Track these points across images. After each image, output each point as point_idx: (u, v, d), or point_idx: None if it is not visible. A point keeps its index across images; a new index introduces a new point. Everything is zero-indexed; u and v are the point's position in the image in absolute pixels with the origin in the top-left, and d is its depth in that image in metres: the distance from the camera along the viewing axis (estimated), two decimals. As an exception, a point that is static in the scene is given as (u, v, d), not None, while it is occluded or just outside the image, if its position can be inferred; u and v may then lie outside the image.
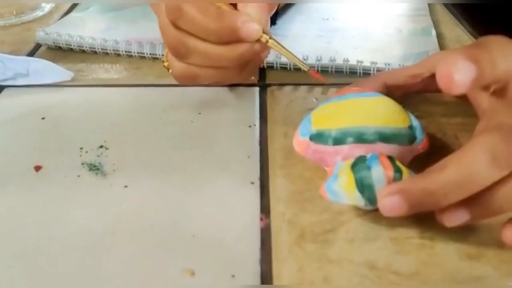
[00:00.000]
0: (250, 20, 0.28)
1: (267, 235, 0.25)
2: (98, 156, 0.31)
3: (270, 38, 0.29)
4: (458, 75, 0.21)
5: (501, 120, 0.22)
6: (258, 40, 0.29)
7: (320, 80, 0.30)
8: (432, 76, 0.25)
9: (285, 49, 0.30)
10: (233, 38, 0.28)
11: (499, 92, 0.24)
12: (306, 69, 0.30)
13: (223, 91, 0.37)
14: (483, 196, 0.21)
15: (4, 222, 0.26)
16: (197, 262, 0.24)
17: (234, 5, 0.30)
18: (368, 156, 0.25)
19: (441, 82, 0.21)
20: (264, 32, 0.29)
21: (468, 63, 0.21)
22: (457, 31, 0.47)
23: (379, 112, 0.27)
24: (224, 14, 0.28)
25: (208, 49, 0.29)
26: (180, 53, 0.30)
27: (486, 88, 0.25)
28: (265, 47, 0.30)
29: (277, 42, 0.29)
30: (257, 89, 0.38)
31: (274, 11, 0.31)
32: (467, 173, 0.21)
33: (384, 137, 0.26)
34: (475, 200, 0.22)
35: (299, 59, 0.30)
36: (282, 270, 0.23)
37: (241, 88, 0.38)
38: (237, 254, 0.24)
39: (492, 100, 0.25)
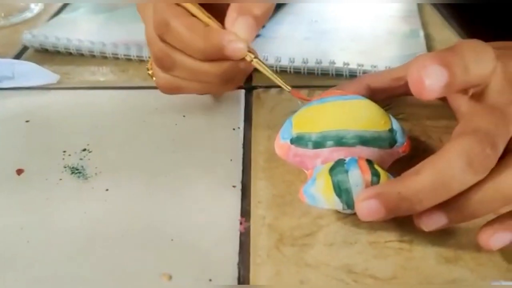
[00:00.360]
0: (237, 39, 0.28)
1: (246, 239, 0.25)
2: (81, 159, 0.31)
3: (255, 57, 0.29)
4: (429, 80, 0.21)
5: (477, 125, 0.22)
6: (243, 59, 0.29)
7: (304, 100, 0.31)
8: None
9: (269, 69, 0.30)
10: (218, 56, 0.28)
11: (477, 96, 0.24)
12: (288, 90, 0.30)
13: (208, 94, 0.37)
14: (459, 201, 0.21)
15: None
16: (174, 266, 0.24)
17: (222, 20, 0.30)
18: (347, 159, 0.25)
19: (412, 87, 0.21)
20: (249, 51, 0.29)
21: (439, 68, 0.21)
22: (446, 33, 0.47)
23: (359, 115, 0.27)
24: (211, 32, 0.28)
25: (193, 65, 0.29)
26: (165, 66, 0.30)
27: (464, 91, 0.25)
28: (250, 65, 0.30)
29: (262, 62, 0.30)
30: (242, 91, 0.38)
31: (264, 23, 0.31)
32: (442, 177, 0.21)
33: (364, 141, 0.26)
34: (452, 204, 0.22)
35: (281, 81, 0.30)
36: (259, 274, 0.23)
37: (227, 92, 0.38)
38: (215, 258, 0.24)
39: (470, 104, 0.24)
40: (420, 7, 0.51)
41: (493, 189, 0.21)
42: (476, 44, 0.23)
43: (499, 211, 0.23)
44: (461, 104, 0.26)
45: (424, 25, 0.47)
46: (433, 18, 0.50)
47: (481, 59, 0.22)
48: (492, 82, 0.24)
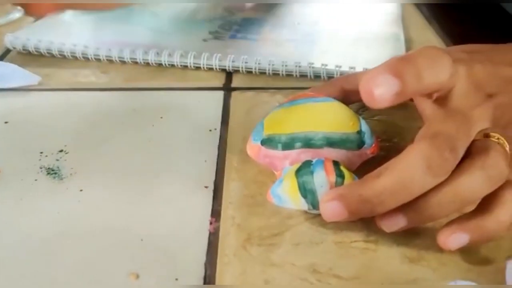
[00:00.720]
0: None
1: (215, 239, 0.26)
2: (57, 160, 0.31)
3: None
4: (378, 90, 0.21)
5: (438, 129, 0.22)
6: None
7: None
8: None
9: None
10: None
11: (441, 100, 0.25)
12: None
13: (188, 95, 0.38)
14: (419, 203, 0.22)
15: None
16: (143, 265, 0.24)
17: None
18: (314, 161, 0.25)
19: (363, 96, 0.22)
20: None
21: (390, 78, 0.21)
22: (427, 35, 0.47)
23: (328, 118, 0.27)
24: None
25: None
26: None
27: (428, 95, 0.25)
28: None
29: None
30: (221, 93, 0.38)
31: None
32: (402, 180, 0.21)
33: (332, 142, 0.26)
34: (412, 206, 0.22)
35: None
36: (225, 273, 0.24)
37: (206, 92, 0.38)
38: (184, 257, 0.25)
39: (434, 107, 0.25)
40: (403, 7, 0.51)
41: (452, 192, 0.21)
42: (431, 52, 0.23)
43: (457, 213, 0.23)
44: (426, 107, 0.26)
45: (406, 27, 0.48)
46: (415, 18, 0.51)
47: (436, 67, 0.22)
48: (456, 86, 0.24)
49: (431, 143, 0.21)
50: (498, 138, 0.23)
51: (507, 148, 0.23)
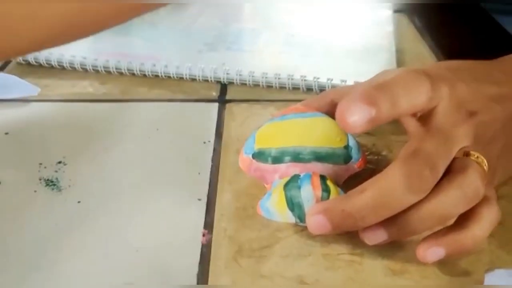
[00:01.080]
0: None
1: (207, 250, 0.27)
2: (56, 171, 0.32)
3: None
4: (352, 118, 0.23)
5: (419, 147, 0.23)
6: None
7: None
8: None
9: None
10: None
11: (424, 118, 0.26)
12: None
13: (183, 106, 0.39)
14: (399, 219, 0.23)
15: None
16: (137, 276, 0.25)
17: None
18: (302, 175, 0.26)
19: (338, 122, 0.23)
20: None
21: (363, 106, 0.23)
22: (419, 47, 0.48)
23: (316, 133, 0.28)
24: None
25: None
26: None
27: (413, 114, 0.26)
28: None
29: None
30: (216, 104, 0.39)
31: None
32: (383, 197, 0.22)
33: (319, 157, 0.27)
34: (392, 222, 0.23)
35: None
36: (216, 284, 0.25)
37: (201, 104, 0.39)
38: (177, 268, 0.26)
39: (417, 125, 0.26)
40: (396, 18, 0.53)
41: (430, 209, 0.22)
42: (409, 77, 0.24)
43: (436, 229, 0.24)
44: (410, 124, 0.27)
45: (398, 37, 0.49)
46: (407, 29, 0.52)
47: (412, 93, 0.24)
48: (439, 105, 0.25)
49: (412, 162, 0.22)
50: (477, 157, 0.24)
51: (485, 167, 0.24)
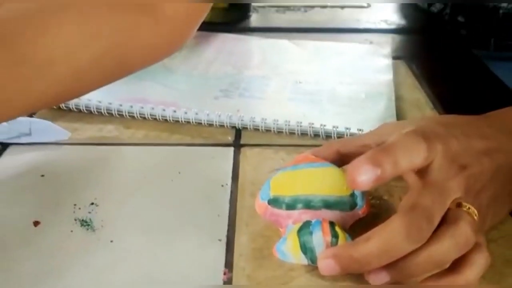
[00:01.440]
0: None
1: (228, 288, 0.30)
2: (89, 212, 0.35)
3: None
4: (361, 178, 0.27)
5: (417, 201, 0.27)
6: None
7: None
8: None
9: None
10: None
11: (421, 172, 0.29)
12: None
13: (202, 150, 0.43)
14: (400, 263, 0.26)
15: (1, 276, 0.30)
16: (167, 311, 0.28)
17: None
18: (313, 221, 0.30)
19: (348, 181, 0.27)
20: None
21: (370, 168, 0.27)
22: (416, 94, 0.52)
23: (325, 182, 0.32)
24: None
25: None
26: None
27: (411, 168, 0.30)
28: None
29: None
30: (232, 149, 0.43)
31: None
32: (386, 246, 0.26)
33: (328, 205, 0.31)
34: (394, 266, 0.26)
35: None
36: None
37: (219, 148, 0.43)
38: (202, 304, 0.29)
39: (415, 178, 0.30)
40: (395, 64, 0.57)
41: (427, 256, 0.26)
42: (408, 140, 0.28)
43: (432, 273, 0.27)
44: (409, 176, 0.31)
45: (397, 84, 0.53)
46: (406, 77, 0.56)
47: (411, 155, 0.27)
48: (434, 161, 0.29)
49: (411, 215, 0.26)
50: (468, 208, 0.28)
51: (476, 217, 0.28)
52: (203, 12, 0.42)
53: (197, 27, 0.43)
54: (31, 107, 0.35)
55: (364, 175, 0.27)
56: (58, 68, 0.34)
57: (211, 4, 0.42)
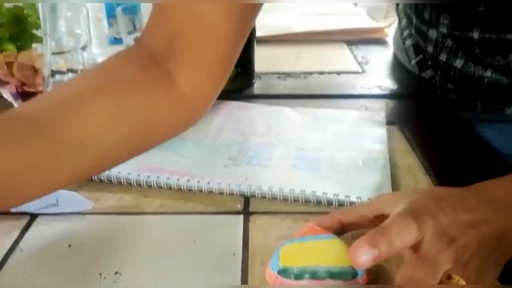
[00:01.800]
0: None
1: None
2: (114, 281, 0.39)
3: None
4: (360, 258, 0.31)
5: (411, 276, 0.31)
6: None
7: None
8: (376, 217, 0.36)
9: None
10: None
11: (414, 246, 0.33)
12: None
13: (214, 219, 0.46)
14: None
15: None
16: None
17: None
18: (319, 291, 0.33)
19: (351, 260, 0.31)
20: None
21: (368, 249, 0.31)
22: (409, 160, 0.57)
23: (329, 254, 0.36)
24: None
25: None
26: None
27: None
28: None
29: None
30: (241, 217, 0.47)
31: None
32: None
33: (332, 275, 0.35)
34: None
35: None
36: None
37: (229, 216, 0.47)
38: None
39: (409, 252, 0.33)
40: (389, 130, 0.61)
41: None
42: (400, 222, 0.32)
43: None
44: (404, 251, 0.34)
45: (391, 151, 0.57)
46: (399, 143, 0.60)
47: (404, 235, 0.32)
48: (425, 236, 0.33)
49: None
50: (458, 280, 0.32)
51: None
52: (219, 89, 0.47)
53: (212, 103, 0.47)
54: (64, 183, 0.39)
55: (364, 255, 0.31)
56: (89, 148, 0.38)
57: (225, 81, 0.47)
